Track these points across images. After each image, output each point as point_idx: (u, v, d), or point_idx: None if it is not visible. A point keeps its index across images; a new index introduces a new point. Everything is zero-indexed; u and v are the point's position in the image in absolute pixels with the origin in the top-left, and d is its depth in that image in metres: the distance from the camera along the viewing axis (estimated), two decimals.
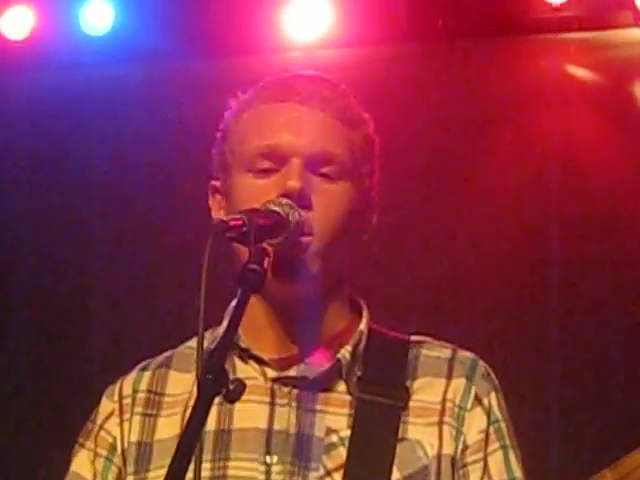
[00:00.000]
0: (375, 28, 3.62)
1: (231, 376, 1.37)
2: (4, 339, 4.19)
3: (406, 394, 1.68)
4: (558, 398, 3.23)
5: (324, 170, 1.62)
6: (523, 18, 3.65)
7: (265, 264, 1.45)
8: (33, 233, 3.94)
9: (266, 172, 1.61)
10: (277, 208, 1.52)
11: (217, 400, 1.38)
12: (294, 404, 1.66)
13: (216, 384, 1.32)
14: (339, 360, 1.65)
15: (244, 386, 1.38)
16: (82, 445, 1.79)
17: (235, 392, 1.34)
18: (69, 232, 3.89)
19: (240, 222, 1.48)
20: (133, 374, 1.81)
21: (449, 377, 1.69)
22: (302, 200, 1.56)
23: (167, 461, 1.53)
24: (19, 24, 3.68)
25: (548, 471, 3.02)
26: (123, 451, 1.77)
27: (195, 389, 1.57)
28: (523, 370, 3.38)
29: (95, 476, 1.76)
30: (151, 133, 3.71)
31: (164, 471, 1.53)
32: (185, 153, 3.55)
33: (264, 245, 1.49)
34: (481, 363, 1.73)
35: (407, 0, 3.63)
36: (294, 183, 1.55)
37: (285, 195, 1.57)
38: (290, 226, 1.52)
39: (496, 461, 1.67)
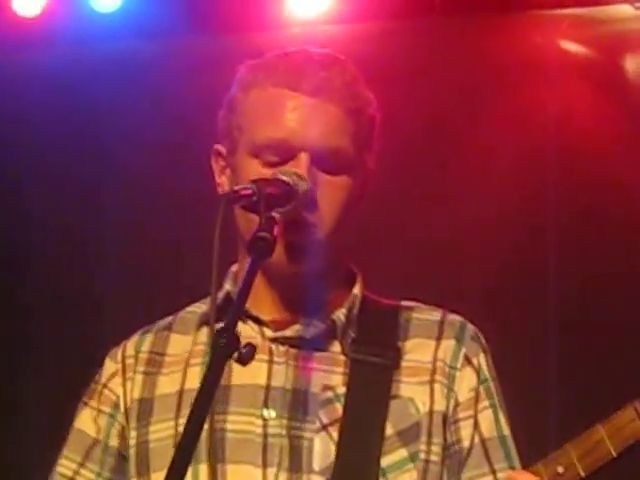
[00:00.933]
0: (374, 4, 3.68)
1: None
2: (27, 309, 4.29)
3: (398, 354, 1.72)
4: (556, 353, 3.36)
5: (329, 164, 1.65)
6: None
7: (275, 232, 1.49)
8: (50, 206, 4.06)
9: (273, 164, 1.64)
10: (286, 178, 1.55)
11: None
12: (291, 362, 1.70)
13: (228, 347, 1.36)
14: (334, 322, 1.70)
15: (255, 349, 1.42)
16: (86, 404, 1.83)
17: (247, 355, 1.38)
18: (85, 204, 4.00)
19: (250, 192, 1.52)
20: (135, 337, 1.86)
21: (439, 338, 1.74)
22: (311, 187, 1.60)
23: (168, 415, 1.74)
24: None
25: (546, 421, 3.17)
26: (126, 408, 1.81)
27: (194, 348, 1.76)
28: (519, 334, 3.49)
29: (98, 432, 1.81)
30: (160, 108, 3.80)
31: (165, 424, 1.74)
32: (194, 126, 3.69)
33: (273, 214, 1.52)
34: (470, 325, 1.78)
35: None
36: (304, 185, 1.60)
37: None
38: (298, 195, 1.56)
39: (486, 418, 1.73)
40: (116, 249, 3.97)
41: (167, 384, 1.80)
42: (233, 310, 1.47)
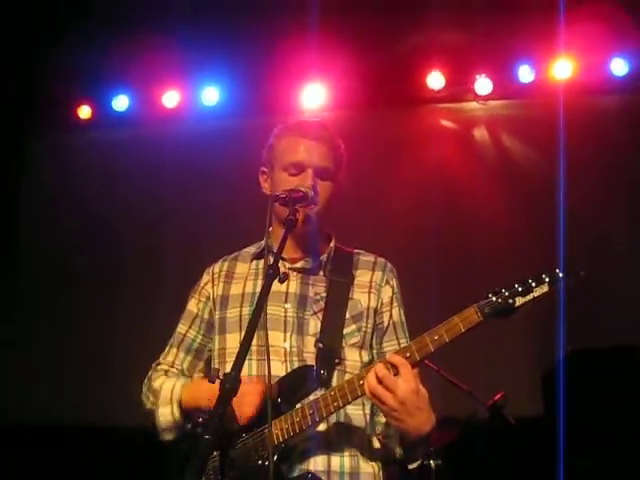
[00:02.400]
0: (344, 100, 5.57)
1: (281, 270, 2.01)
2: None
3: (352, 277, 2.42)
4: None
5: (322, 175, 2.36)
6: (419, 94, 5.59)
7: (297, 217, 2.16)
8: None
9: (294, 175, 2.33)
10: (303, 189, 2.24)
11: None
12: (299, 280, 2.40)
13: (274, 274, 2.01)
14: (321, 261, 2.42)
15: (287, 275, 2.21)
16: (192, 296, 2.53)
17: (283, 278, 2.05)
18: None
19: (284, 195, 2.20)
20: (219, 262, 2.54)
21: (373, 270, 2.46)
22: (314, 190, 2.29)
23: (235, 305, 2.38)
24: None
25: None
26: (214, 300, 2.47)
27: (249, 271, 2.45)
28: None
29: (199, 311, 2.49)
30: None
31: (234, 310, 2.39)
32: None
33: (296, 207, 2.18)
34: (389, 264, 2.50)
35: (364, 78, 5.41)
36: (310, 182, 2.32)
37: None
38: (308, 198, 2.23)
39: (395, 312, 2.46)
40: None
41: (235, 288, 2.42)
42: (276, 256, 2.04)
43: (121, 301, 5.60)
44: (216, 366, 2.36)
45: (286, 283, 2.38)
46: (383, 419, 2.32)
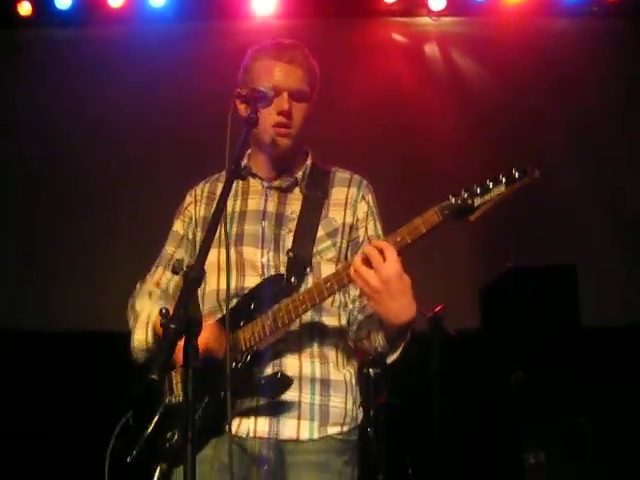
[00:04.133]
0: (296, 7, 5.58)
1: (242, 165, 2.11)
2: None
3: (328, 194, 2.48)
4: None
5: (297, 97, 2.40)
6: (372, 6, 5.64)
7: (257, 115, 2.21)
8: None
9: (268, 94, 2.30)
10: (263, 89, 2.28)
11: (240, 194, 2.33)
12: (276, 199, 2.46)
13: (235, 172, 2.08)
14: (296, 178, 2.47)
15: (250, 170, 2.26)
16: (177, 217, 2.60)
17: (245, 174, 2.11)
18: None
19: (245, 93, 2.29)
20: (201, 184, 2.60)
21: (349, 187, 2.51)
22: (288, 115, 2.36)
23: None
24: None
25: None
26: (196, 220, 2.55)
27: (231, 191, 2.42)
28: None
29: (184, 231, 2.57)
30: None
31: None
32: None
33: (257, 106, 2.25)
34: (365, 181, 2.54)
35: None
36: (286, 105, 2.37)
37: (280, 112, 2.37)
38: (267, 98, 2.28)
39: (371, 226, 2.50)
40: None
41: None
42: (238, 154, 2.14)
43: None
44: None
45: (263, 202, 2.46)
46: (362, 316, 2.40)
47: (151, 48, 5.43)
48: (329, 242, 2.41)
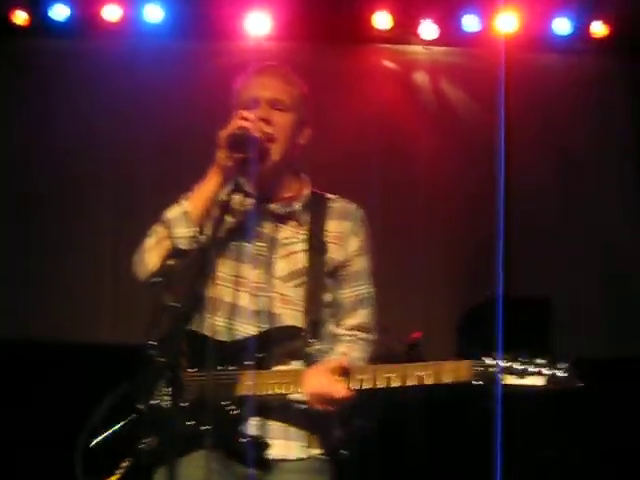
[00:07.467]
0: (289, 30, 5.61)
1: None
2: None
3: (323, 228, 2.54)
4: None
5: (278, 106, 2.46)
6: (364, 32, 5.66)
7: (250, 154, 2.31)
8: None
9: (252, 108, 2.43)
10: (246, 124, 2.37)
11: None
12: (272, 221, 2.53)
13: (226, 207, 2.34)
14: (295, 209, 2.53)
15: (241, 188, 2.41)
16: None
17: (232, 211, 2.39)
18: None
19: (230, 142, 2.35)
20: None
21: (344, 220, 2.56)
22: (268, 121, 2.39)
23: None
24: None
25: None
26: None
27: None
28: None
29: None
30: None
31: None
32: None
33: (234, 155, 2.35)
34: (361, 211, 2.60)
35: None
36: (264, 113, 2.41)
37: (261, 119, 2.40)
38: (253, 138, 2.34)
39: (359, 261, 2.58)
40: None
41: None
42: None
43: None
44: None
45: (262, 222, 2.51)
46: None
47: (145, 63, 5.48)
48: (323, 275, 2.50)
